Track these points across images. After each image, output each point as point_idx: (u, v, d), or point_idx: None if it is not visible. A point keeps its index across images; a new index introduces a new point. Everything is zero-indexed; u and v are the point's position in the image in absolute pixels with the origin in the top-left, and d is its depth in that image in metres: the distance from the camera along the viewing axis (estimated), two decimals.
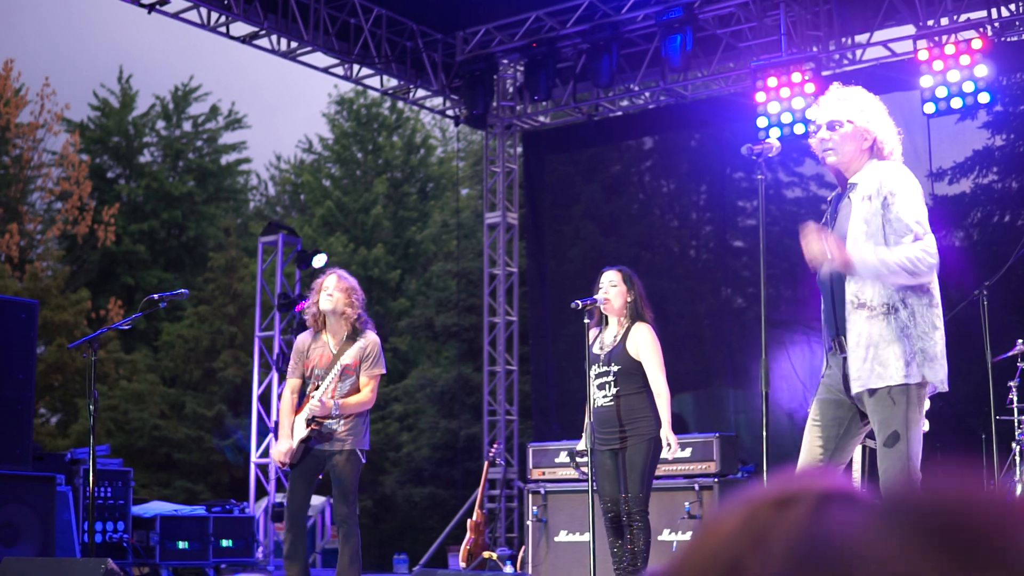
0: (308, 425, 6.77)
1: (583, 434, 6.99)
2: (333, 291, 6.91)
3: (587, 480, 6.81)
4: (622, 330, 6.81)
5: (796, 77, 11.51)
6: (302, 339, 7.08)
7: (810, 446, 4.77)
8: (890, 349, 4.53)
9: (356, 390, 6.92)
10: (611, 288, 6.83)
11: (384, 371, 7.03)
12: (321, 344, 6.97)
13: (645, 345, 6.72)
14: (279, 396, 7.16)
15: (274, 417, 7.17)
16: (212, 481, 23.79)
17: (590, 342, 6.83)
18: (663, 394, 6.66)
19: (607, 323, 6.92)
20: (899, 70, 12.04)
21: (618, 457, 6.70)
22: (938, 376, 4.58)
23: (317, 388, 6.84)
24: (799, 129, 11.41)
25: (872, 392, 4.57)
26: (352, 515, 6.81)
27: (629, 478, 6.61)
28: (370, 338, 6.95)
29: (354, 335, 6.95)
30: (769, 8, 12.40)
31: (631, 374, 6.71)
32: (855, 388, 4.60)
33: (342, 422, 6.83)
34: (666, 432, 6.57)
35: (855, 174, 4.75)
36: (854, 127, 4.73)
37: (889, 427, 4.54)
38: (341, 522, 6.81)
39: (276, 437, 7.16)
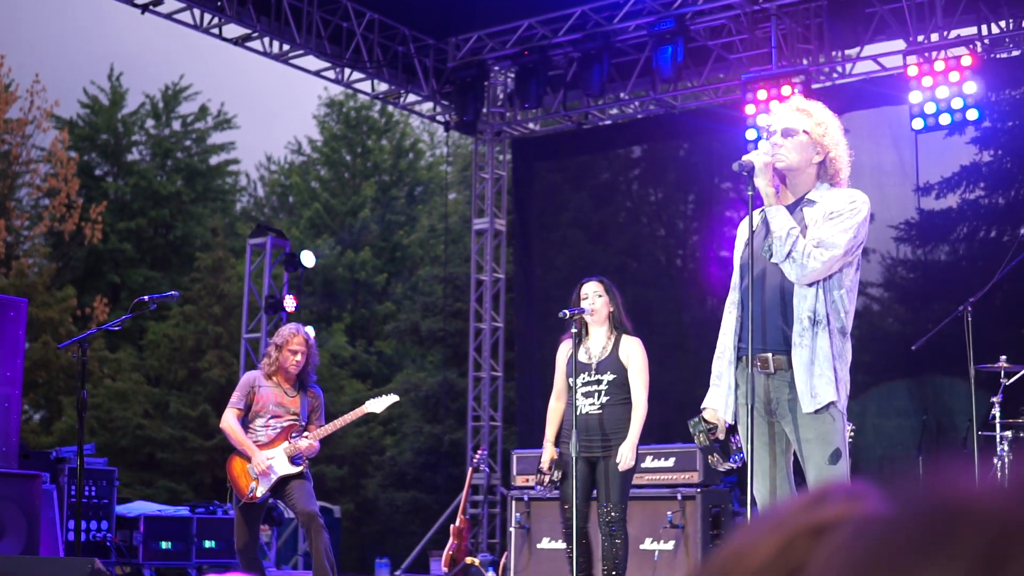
0: (294, 463, 7.32)
1: (545, 444, 6.99)
2: (300, 354, 7.42)
3: (552, 492, 7.00)
4: (611, 341, 6.86)
5: (786, 90, 11.51)
6: (253, 375, 7.55)
7: (763, 470, 4.65)
8: (837, 362, 4.51)
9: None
10: (597, 298, 6.89)
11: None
12: (274, 385, 7.46)
13: (636, 359, 6.78)
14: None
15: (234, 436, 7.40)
16: (195, 481, 23.76)
17: (570, 351, 6.87)
18: (640, 409, 6.71)
19: (587, 332, 6.96)
20: (888, 85, 12.10)
21: (596, 466, 6.74)
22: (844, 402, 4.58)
23: (269, 426, 7.39)
24: None
25: (822, 407, 4.49)
26: (318, 513, 7.25)
27: (611, 487, 6.64)
28: (319, 393, 7.61)
29: (302, 385, 7.53)
30: (760, 21, 12.44)
31: (621, 384, 6.76)
32: (813, 406, 4.47)
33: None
34: (626, 447, 6.60)
35: (810, 191, 4.68)
36: (809, 138, 4.66)
37: (832, 443, 4.49)
38: (310, 521, 7.18)
39: (240, 456, 7.47)
